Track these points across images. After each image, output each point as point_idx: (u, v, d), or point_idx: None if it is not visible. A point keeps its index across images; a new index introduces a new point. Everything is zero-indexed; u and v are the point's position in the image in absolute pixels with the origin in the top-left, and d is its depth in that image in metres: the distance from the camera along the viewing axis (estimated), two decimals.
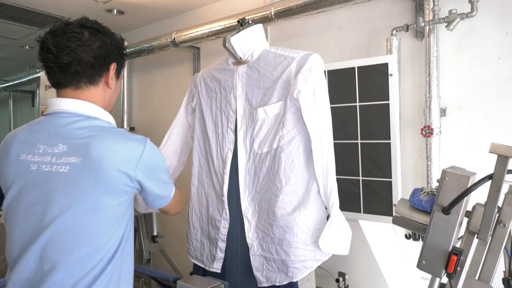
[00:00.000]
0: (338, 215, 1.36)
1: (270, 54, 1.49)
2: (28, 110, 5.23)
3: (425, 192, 1.12)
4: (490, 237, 0.97)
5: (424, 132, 1.82)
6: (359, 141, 1.79)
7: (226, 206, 1.55)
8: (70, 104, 1.03)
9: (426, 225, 1.07)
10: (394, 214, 1.17)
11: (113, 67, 1.09)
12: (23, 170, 1.00)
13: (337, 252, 1.37)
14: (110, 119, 1.09)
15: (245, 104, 1.52)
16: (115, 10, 3.01)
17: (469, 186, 0.97)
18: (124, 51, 1.14)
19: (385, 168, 1.71)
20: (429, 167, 1.83)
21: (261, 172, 1.47)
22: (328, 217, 1.38)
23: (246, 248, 1.50)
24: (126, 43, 3.43)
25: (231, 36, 1.49)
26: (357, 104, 1.78)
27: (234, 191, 1.54)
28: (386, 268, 1.81)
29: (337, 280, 1.83)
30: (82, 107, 1.03)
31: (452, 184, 0.99)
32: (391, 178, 1.70)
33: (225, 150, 1.56)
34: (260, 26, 1.55)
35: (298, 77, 1.37)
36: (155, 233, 2.41)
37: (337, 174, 1.41)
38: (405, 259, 1.88)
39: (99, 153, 0.96)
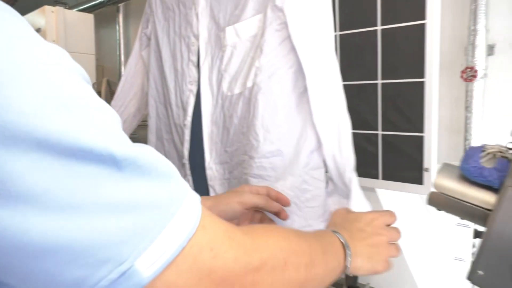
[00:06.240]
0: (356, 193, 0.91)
1: None
2: None
3: (489, 153, 0.65)
4: None
5: (465, 75, 1.35)
6: (379, 81, 1.29)
7: (189, 172, 1.12)
8: None
9: (490, 210, 0.63)
10: (432, 189, 0.71)
11: None
12: None
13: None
14: None
15: (210, 24, 1.04)
16: None
17: None
18: None
19: (415, 118, 1.23)
20: (468, 120, 1.35)
21: (231, 123, 1.01)
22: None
23: None
24: None
25: None
26: (378, 27, 1.26)
27: (198, 151, 1.10)
28: (412, 255, 1.38)
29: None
30: None
31: None
32: (423, 132, 1.22)
33: (186, 93, 1.10)
34: None
35: None
36: None
37: None
38: (438, 243, 1.43)
39: None
